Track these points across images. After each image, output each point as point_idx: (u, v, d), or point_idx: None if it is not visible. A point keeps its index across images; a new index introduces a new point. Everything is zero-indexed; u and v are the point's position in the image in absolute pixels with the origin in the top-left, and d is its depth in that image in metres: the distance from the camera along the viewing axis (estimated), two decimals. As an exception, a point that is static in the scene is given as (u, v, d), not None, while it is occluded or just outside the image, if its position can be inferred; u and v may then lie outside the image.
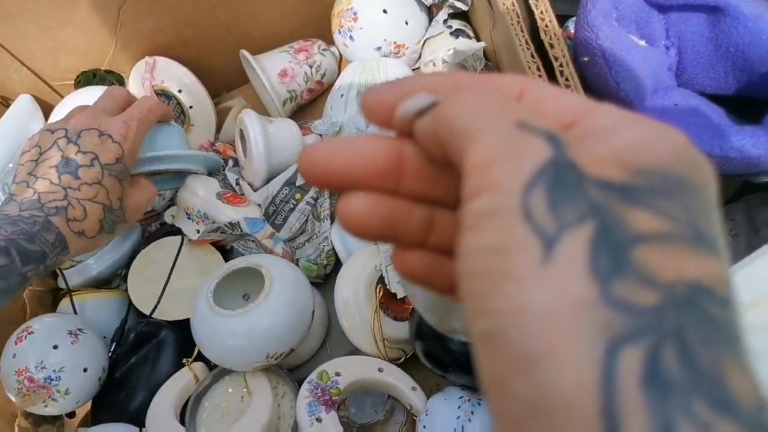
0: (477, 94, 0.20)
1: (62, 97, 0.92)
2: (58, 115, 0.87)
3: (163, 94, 0.91)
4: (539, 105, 0.21)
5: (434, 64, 0.84)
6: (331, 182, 0.23)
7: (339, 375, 0.70)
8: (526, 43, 0.52)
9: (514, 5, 0.54)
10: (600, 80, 0.51)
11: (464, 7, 0.81)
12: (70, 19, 0.84)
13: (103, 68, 0.92)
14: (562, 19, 0.75)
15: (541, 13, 0.51)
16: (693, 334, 0.16)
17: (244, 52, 0.89)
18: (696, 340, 0.16)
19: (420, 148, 0.23)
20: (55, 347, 0.70)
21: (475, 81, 0.23)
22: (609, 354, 0.16)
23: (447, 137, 0.20)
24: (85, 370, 0.71)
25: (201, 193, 0.77)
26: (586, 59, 0.50)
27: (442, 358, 0.65)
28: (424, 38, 0.87)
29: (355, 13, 0.84)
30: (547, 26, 0.51)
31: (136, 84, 0.91)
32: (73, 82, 0.93)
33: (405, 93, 0.23)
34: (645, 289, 0.16)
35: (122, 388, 0.74)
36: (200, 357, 0.72)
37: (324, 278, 0.82)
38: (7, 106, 0.88)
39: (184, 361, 0.73)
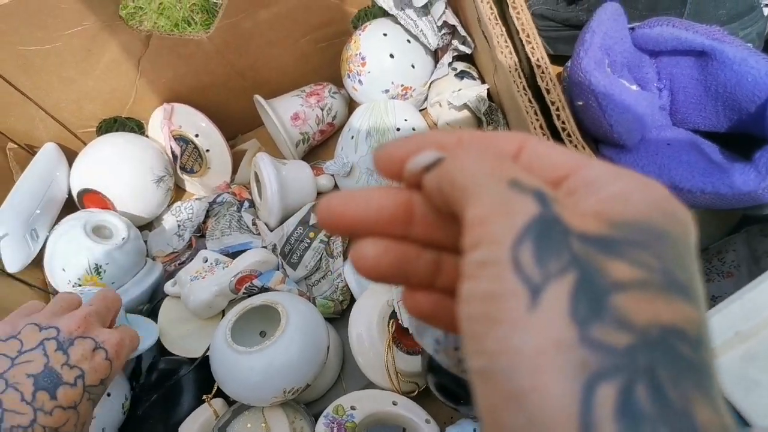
0: (475, 153, 0.23)
1: (85, 143, 0.96)
2: (82, 161, 0.91)
3: (181, 139, 0.94)
4: (536, 160, 0.23)
5: (440, 105, 0.87)
6: (347, 229, 0.25)
7: (354, 409, 0.72)
8: (524, 89, 0.54)
9: (512, 53, 0.57)
10: (594, 123, 0.53)
11: (468, 51, 0.85)
12: (91, 70, 0.88)
13: (123, 115, 0.97)
14: (562, 60, 0.78)
15: (537, 60, 0.54)
16: (664, 372, 0.18)
17: (258, 97, 0.93)
18: (666, 377, 0.18)
19: (427, 199, 0.25)
20: None
21: (477, 138, 0.25)
22: (586, 390, 0.18)
23: (450, 192, 0.23)
24: (108, 395, 0.74)
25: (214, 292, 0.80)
26: (580, 103, 0.53)
27: (454, 391, 0.66)
28: (431, 80, 0.90)
29: (363, 58, 0.88)
30: (543, 72, 0.54)
31: (155, 129, 0.95)
32: (95, 129, 0.97)
33: (413, 149, 0.25)
34: (620, 331, 0.18)
35: (144, 425, 0.77)
36: (220, 393, 0.74)
37: (341, 314, 0.84)
38: (33, 154, 0.92)
39: (204, 397, 0.75)
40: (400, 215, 0.25)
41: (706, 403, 0.18)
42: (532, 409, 0.18)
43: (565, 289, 0.19)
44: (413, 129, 0.86)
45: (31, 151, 0.94)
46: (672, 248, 0.20)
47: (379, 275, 0.26)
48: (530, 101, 0.54)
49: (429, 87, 0.91)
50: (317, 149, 0.99)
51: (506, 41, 0.58)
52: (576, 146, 0.51)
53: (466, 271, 0.21)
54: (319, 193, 0.90)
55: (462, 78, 0.86)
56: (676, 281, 0.20)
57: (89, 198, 0.91)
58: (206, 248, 0.87)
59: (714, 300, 0.65)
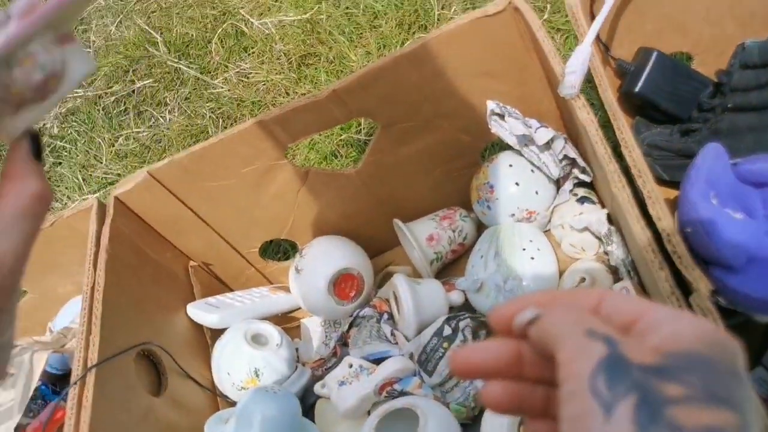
0: (562, 310, 0.31)
1: (249, 262, 1.11)
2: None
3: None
4: (612, 310, 0.31)
5: (563, 228, 0.95)
6: (475, 373, 0.35)
7: None
8: (637, 218, 0.62)
9: (625, 187, 0.65)
10: (702, 247, 0.60)
11: (587, 179, 0.93)
12: (259, 201, 1.04)
13: (282, 237, 1.12)
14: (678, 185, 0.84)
15: (648, 192, 0.62)
16: None
17: (398, 221, 1.05)
18: None
19: (532, 346, 0.33)
20: None
21: (565, 297, 0.34)
22: None
23: (545, 341, 0.31)
24: None
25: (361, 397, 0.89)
26: (689, 230, 0.60)
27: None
28: (553, 205, 0.98)
29: (491, 187, 0.98)
30: (653, 203, 0.61)
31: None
32: (257, 249, 1.13)
33: (518, 308, 0.33)
34: None
35: None
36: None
37: (473, 420, 0.90)
38: (209, 271, 1.08)
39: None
40: (513, 360, 0.34)
41: None
42: None
43: (630, 405, 0.25)
44: (538, 249, 0.94)
45: (206, 269, 1.10)
46: (713, 370, 0.26)
47: (504, 408, 0.34)
48: (642, 229, 0.62)
49: (552, 211, 0.99)
50: (449, 267, 1.09)
51: (619, 177, 0.66)
52: (686, 267, 0.57)
53: (561, 399, 0.28)
54: (451, 307, 0.99)
55: (583, 202, 0.94)
56: (716, 395, 0.26)
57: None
58: (349, 355, 0.98)
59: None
